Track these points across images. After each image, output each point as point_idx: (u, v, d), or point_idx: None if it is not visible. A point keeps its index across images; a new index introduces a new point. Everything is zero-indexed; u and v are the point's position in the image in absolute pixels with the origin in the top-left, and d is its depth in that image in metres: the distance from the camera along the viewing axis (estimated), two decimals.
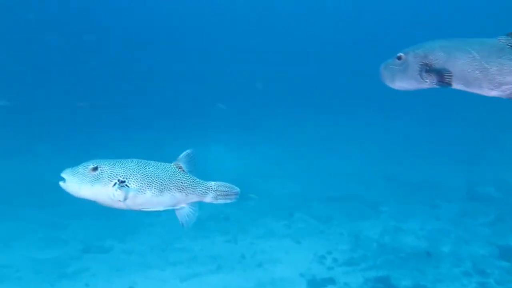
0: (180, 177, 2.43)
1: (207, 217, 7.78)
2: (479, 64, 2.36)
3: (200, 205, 2.51)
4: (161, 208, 2.39)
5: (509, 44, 2.38)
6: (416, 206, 8.39)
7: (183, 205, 2.46)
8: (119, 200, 2.28)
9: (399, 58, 2.49)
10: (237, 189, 2.54)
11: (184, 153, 2.51)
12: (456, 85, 2.45)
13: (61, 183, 2.31)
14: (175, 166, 2.46)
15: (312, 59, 26.69)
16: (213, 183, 2.51)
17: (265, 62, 25.87)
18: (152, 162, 2.43)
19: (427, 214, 8.01)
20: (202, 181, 2.50)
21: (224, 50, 26.79)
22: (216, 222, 7.63)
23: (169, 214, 7.43)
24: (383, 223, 7.60)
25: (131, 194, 2.28)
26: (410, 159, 11.74)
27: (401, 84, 2.54)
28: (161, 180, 2.36)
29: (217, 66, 25.13)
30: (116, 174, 2.30)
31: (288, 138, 14.63)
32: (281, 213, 8.06)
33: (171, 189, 2.38)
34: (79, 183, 2.27)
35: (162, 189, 2.35)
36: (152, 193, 2.32)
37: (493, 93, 2.41)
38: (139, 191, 2.30)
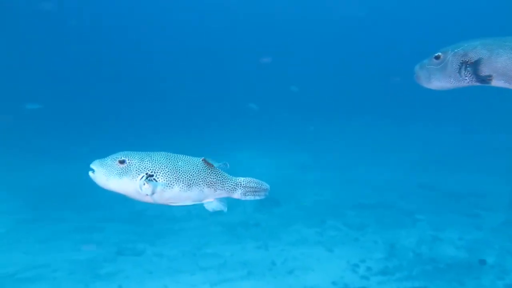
0: (209, 172, 2.38)
1: (238, 223, 7.75)
2: None
3: (228, 200, 2.46)
4: (189, 203, 2.36)
5: None
6: (454, 215, 8.02)
7: (210, 199, 2.42)
8: (147, 194, 2.25)
9: (437, 57, 2.54)
10: (267, 186, 2.48)
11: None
12: (496, 82, 2.43)
13: (90, 174, 2.31)
14: (204, 161, 2.43)
15: (348, 62, 26.29)
16: (242, 178, 2.47)
17: (301, 64, 25.67)
18: (181, 156, 2.39)
19: (466, 223, 7.63)
20: (231, 176, 2.46)
21: (260, 50, 26.80)
22: (247, 228, 7.59)
23: (200, 220, 7.44)
24: (419, 232, 7.29)
25: (158, 188, 2.25)
26: (448, 168, 11.28)
27: (439, 83, 2.56)
28: (190, 175, 2.32)
29: (252, 67, 25.17)
30: (145, 168, 2.26)
31: (320, 144, 14.44)
32: (313, 220, 7.91)
33: (199, 184, 2.33)
34: (107, 175, 2.26)
35: (190, 184, 2.31)
36: (180, 188, 2.28)
37: None
38: (167, 186, 2.27)
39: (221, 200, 2.43)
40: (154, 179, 2.25)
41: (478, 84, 2.44)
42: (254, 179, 2.48)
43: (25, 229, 7.60)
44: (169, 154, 2.38)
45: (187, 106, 20.28)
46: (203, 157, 2.43)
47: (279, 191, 9.54)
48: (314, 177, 11.09)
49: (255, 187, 2.45)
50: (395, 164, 11.75)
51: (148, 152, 2.35)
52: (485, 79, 2.41)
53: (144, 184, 2.24)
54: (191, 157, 2.42)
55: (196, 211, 7.96)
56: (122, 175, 2.24)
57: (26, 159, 12.89)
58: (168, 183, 2.27)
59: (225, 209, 2.42)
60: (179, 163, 2.33)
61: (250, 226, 7.70)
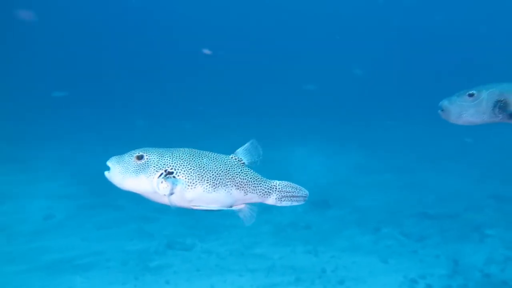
0: (239, 172, 2.08)
1: (287, 224, 7.53)
2: None
3: (261, 207, 2.16)
4: (215, 207, 2.06)
5: None
6: None
7: (241, 206, 2.12)
8: (164, 194, 1.99)
9: (471, 95, 2.73)
10: (306, 192, 2.17)
11: (246, 144, 2.16)
12: None
13: (106, 173, 2.12)
14: (234, 159, 2.12)
15: (426, 56, 24.54)
16: (277, 182, 2.15)
17: (370, 48, 24.32)
18: (207, 152, 2.11)
19: None
20: (266, 178, 2.13)
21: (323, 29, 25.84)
22: (296, 230, 7.34)
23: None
24: (489, 249, 6.59)
25: (178, 187, 1.97)
26: None
27: (470, 119, 2.76)
28: (215, 174, 2.02)
29: (312, 46, 24.30)
30: (164, 164, 2.01)
31: (383, 144, 13.67)
32: (368, 226, 7.47)
33: (227, 184, 2.03)
34: (123, 173, 2.05)
35: (216, 184, 2.01)
36: (204, 188, 1.99)
37: None
38: (189, 185, 1.98)
39: (253, 208, 2.14)
40: (173, 177, 2.00)
41: (510, 121, 2.66)
42: (291, 183, 2.19)
43: (84, 215, 7.96)
44: (193, 150, 2.12)
45: (241, 96, 20.08)
46: (233, 154, 2.14)
47: (332, 192, 9.14)
48: (372, 180, 10.51)
49: (293, 192, 2.15)
50: (464, 171, 10.81)
51: (171, 148, 2.12)
52: None
53: (161, 182, 1.99)
54: (219, 154, 2.14)
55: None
56: (139, 172, 2.02)
57: (91, 143, 13.58)
58: (190, 182, 1.99)
59: (249, 223, 2.14)
60: (204, 159, 2.05)
61: (300, 228, 7.44)
